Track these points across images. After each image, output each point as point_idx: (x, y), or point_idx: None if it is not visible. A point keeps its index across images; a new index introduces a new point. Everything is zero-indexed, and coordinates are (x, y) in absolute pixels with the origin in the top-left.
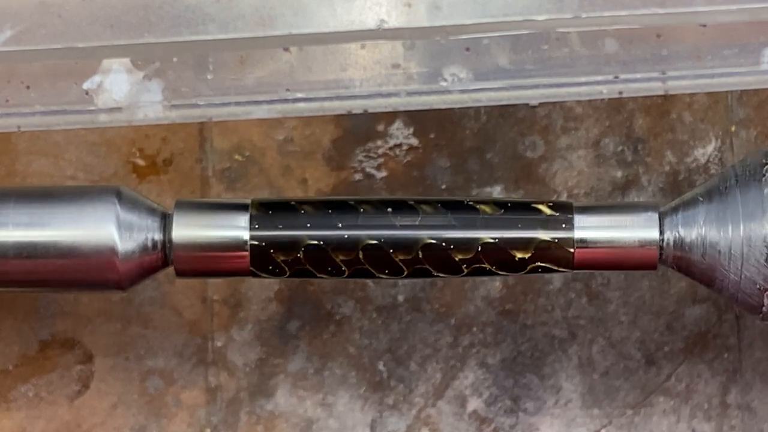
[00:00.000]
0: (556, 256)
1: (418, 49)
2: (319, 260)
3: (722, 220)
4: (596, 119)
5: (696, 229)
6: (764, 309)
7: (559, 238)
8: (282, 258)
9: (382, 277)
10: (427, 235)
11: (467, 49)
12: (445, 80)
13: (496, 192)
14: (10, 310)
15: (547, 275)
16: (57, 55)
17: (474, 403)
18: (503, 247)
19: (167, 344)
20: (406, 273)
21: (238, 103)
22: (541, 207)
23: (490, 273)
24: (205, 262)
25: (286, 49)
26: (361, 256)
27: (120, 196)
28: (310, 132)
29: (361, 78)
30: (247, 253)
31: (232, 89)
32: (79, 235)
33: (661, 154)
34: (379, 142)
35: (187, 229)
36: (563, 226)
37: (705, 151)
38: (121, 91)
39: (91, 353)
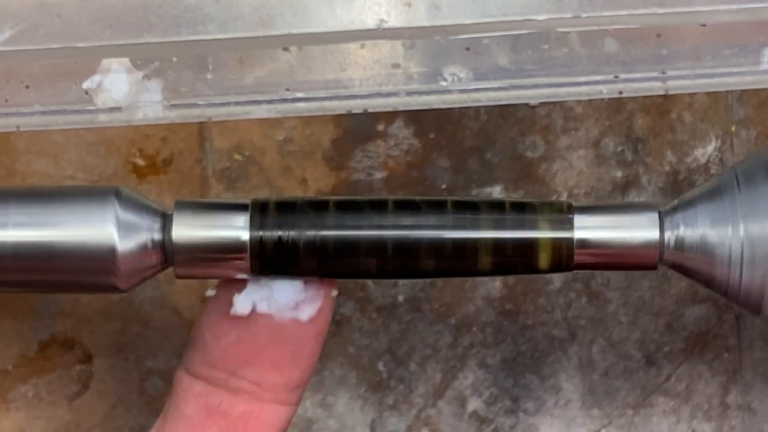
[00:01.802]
0: (556, 256)
1: (418, 49)
2: (319, 260)
3: (723, 220)
4: (596, 119)
5: (696, 229)
6: (765, 309)
7: (558, 239)
8: (282, 258)
9: (383, 278)
10: (427, 237)
11: (467, 49)
12: (445, 80)
13: (496, 192)
14: (10, 310)
15: (547, 275)
16: (56, 55)
17: (474, 404)
18: (502, 248)
19: (167, 344)
20: (407, 273)
21: (237, 103)
22: (540, 207)
23: (489, 274)
24: (205, 263)
25: (286, 49)
26: (361, 256)
27: (119, 196)
28: (309, 132)
29: (361, 78)
30: (247, 254)
31: (232, 89)
32: (79, 235)
33: (661, 154)
34: (379, 142)
35: (187, 230)
36: (563, 226)
37: (705, 151)
38: (121, 90)
39: (90, 353)
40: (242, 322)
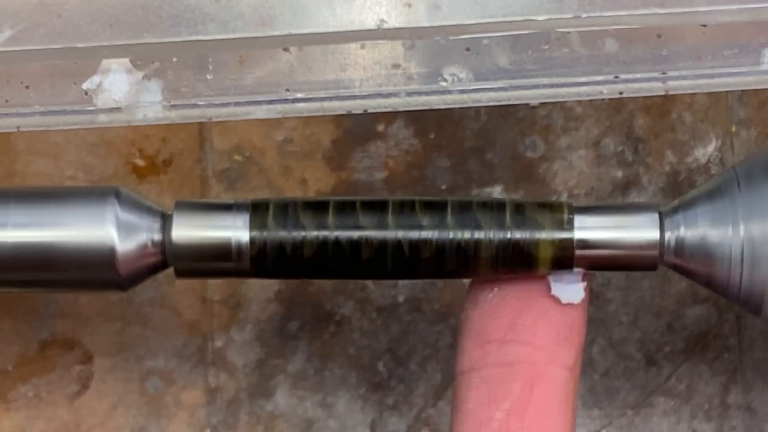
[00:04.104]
0: (556, 257)
1: (418, 49)
2: (319, 261)
3: (723, 220)
4: (596, 119)
5: (697, 230)
6: (765, 310)
7: (558, 239)
8: (282, 258)
9: (383, 278)
10: (427, 238)
11: (467, 49)
12: (445, 80)
13: (496, 192)
14: (10, 311)
15: None
16: (56, 55)
17: None
18: (503, 248)
19: (167, 344)
20: (407, 274)
21: (237, 103)
22: (540, 208)
23: (489, 274)
24: (205, 263)
25: (286, 49)
26: (361, 256)
27: (119, 197)
28: (310, 132)
29: (361, 78)
30: (246, 254)
31: (232, 89)
32: (79, 235)
33: (662, 154)
34: (379, 143)
35: (187, 230)
36: (563, 226)
37: (705, 151)
38: (121, 91)
39: (90, 353)
40: (499, 281)
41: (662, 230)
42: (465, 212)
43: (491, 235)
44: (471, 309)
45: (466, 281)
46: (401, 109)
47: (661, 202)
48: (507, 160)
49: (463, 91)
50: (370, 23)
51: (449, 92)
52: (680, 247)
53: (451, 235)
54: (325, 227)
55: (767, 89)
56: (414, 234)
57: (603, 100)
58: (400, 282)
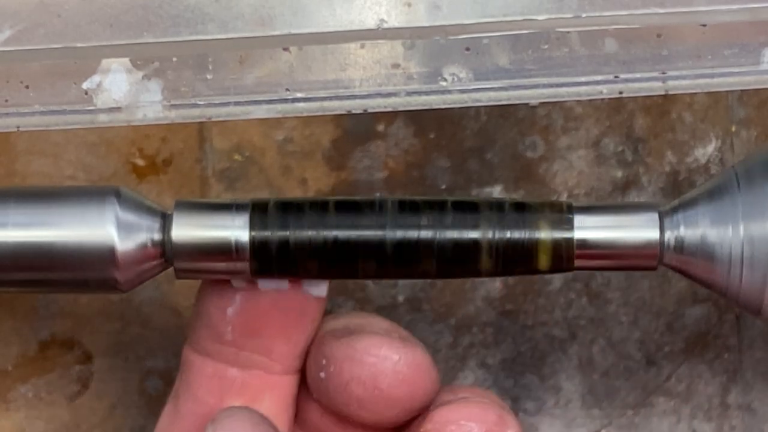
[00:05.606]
0: (556, 256)
1: (418, 49)
2: (319, 260)
3: (723, 220)
4: (596, 119)
5: (697, 230)
6: (765, 310)
7: (558, 239)
8: (282, 258)
9: (383, 278)
10: (427, 237)
11: (467, 49)
12: (445, 80)
13: (496, 192)
14: (10, 311)
15: (547, 275)
16: (56, 55)
17: None
18: (502, 248)
19: (167, 344)
20: (407, 274)
21: (237, 103)
22: (540, 207)
23: (489, 274)
24: (205, 263)
25: (286, 49)
26: (361, 256)
27: (119, 197)
28: (309, 132)
29: (361, 78)
30: (246, 254)
31: (232, 89)
32: (78, 235)
33: (662, 154)
34: (379, 142)
35: (187, 230)
36: (563, 226)
37: (705, 151)
38: (121, 90)
39: (90, 353)
40: (244, 292)
41: (662, 230)
42: (465, 212)
43: (491, 235)
44: (215, 305)
45: (466, 281)
46: (401, 108)
47: (661, 202)
48: (507, 160)
49: (463, 91)
50: (370, 23)
51: (449, 92)
52: (680, 247)
53: (450, 235)
54: (325, 227)
55: (767, 89)
56: (414, 233)
57: (603, 100)
58: (400, 282)
